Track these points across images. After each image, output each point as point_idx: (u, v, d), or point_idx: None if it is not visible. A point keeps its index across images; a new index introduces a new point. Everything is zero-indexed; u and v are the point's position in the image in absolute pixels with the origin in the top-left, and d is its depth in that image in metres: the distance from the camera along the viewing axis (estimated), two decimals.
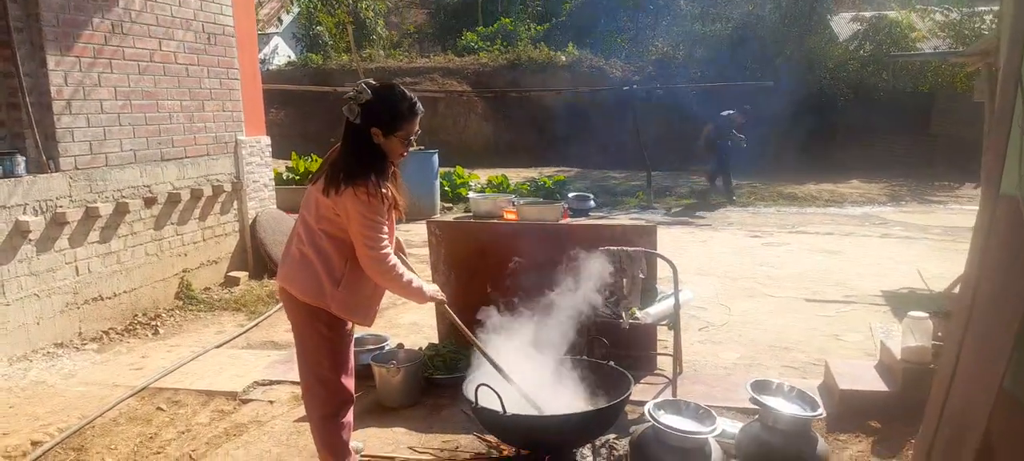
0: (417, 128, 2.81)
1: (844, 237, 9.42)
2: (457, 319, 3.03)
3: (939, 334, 3.68)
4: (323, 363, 2.84)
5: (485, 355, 3.00)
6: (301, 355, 2.91)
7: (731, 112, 12.32)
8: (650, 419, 2.83)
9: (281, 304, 6.15)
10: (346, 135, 2.74)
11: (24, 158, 4.87)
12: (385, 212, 2.70)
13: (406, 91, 2.79)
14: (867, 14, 17.43)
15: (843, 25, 18.17)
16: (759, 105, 14.70)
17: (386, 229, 2.73)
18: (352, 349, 2.98)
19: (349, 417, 2.96)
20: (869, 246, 8.79)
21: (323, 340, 2.82)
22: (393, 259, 2.75)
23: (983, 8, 14.69)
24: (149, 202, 5.90)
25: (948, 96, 15.92)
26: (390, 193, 2.73)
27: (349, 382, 2.91)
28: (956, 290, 5.61)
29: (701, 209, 11.93)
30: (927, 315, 3.64)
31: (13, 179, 4.77)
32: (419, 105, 2.81)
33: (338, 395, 2.88)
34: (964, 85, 14.56)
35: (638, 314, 3.82)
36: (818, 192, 13.37)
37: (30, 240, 4.89)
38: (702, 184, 13.73)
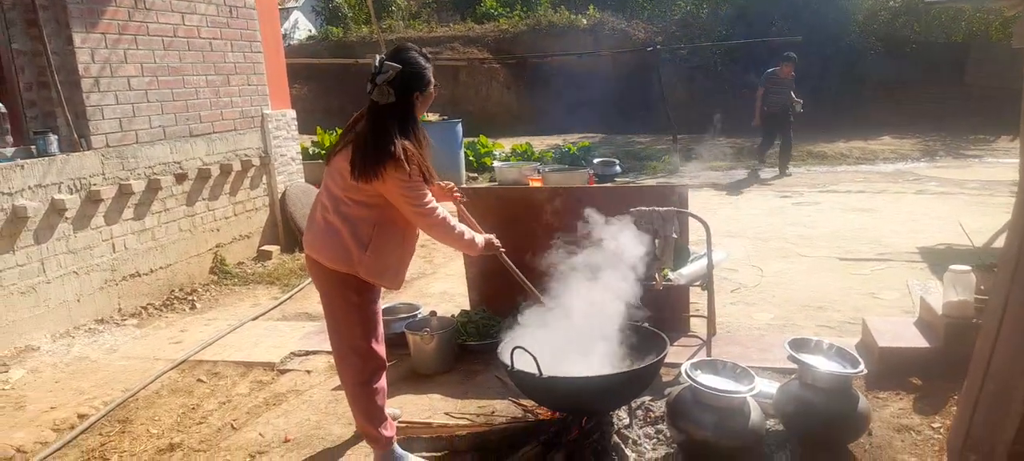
0: None
1: (876, 194, 9.24)
2: (511, 265, 3.11)
3: (982, 288, 3.59)
4: (354, 330, 2.87)
5: (537, 296, 3.03)
6: (332, 324, 2.94)
7: (774, 69, 10.55)
8: (687, 379, 2.81)
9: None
10: (379, 116, 2.73)
11: (56, 137, 4.94)
12: (418, 174, 2.73)
13: (411, 44, 2.87)
14: None
15: None
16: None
17: (427, 190, 2.79)
18: (381, 315, 2.99)
19: (382, 383, 2.98)
20: (903, 203, 8.62)
21: (352, 307, 2.85)
22: (441, 212, 2.82)
23: None
24: (180, 178, 5.96)
25: (982, 46, 15.43)
26: (417, 161, 2.73)
27: (380, 348, 2.94)
28: (997, 243, 5.48)
29: (749, 185, 10.34)
30: (969, 269, 3.56)
31: (47, 158, 4.84)
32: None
33: (370, 362, 2.91)
34: (999, 34, 14.12)
35: (671, 275, 3.78)
36: (849, 150, 13.11)
37: (67, 218, 4.98)
38: (726, 147, 13.47)
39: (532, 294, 3.17)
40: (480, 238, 3.03)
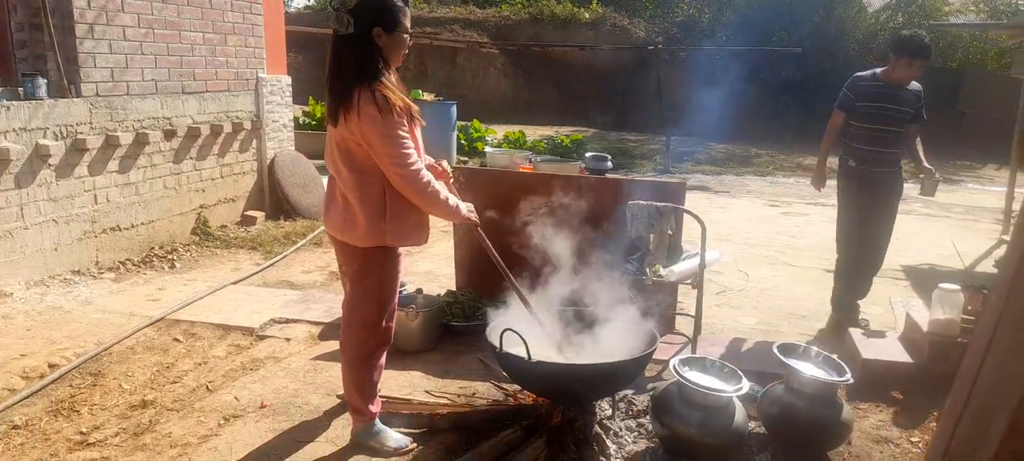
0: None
1: None
2: (490, 246, 2.96)
3: (969, 308, 3.61)
4: (371, 306, 2.79)
5: (516, 288, 2.96)
6: (351, 299, 2.83)
7: (870, 73, 4.45)
8: (675, 374, 2.79)
9: (297, 246, 6.16)
10: (336, 51, 2.58)
11: (45, 81, 4.82)
12: (404, 122, 2.57)
13: None
14: None
15: None
16: (782, 73, 14.27)
17: (410, 143, 2.59)
18: (398, 287, 2.91)
19: (382, 360, 2.93)
20: None
21: (377, 283, 2.77)
22: (426, 175, 2.63)
23: None
24: (169, 135, 5.85)
25: (978, 74, 15.59)
26: (401, 100, 2.57)
27: (389, 325, 2.88)
28: (980, 267, 5.53)
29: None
30: (959, 288, 3.57)
31: (34, 102, 4.71)
32: None
33: (376, 337, 2.85)
34: (995, 63, 14.26)
35: (662, 272, 3.76)
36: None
37: (50, 165, 4.86)
38: (718, 152, 13.42)
39: (516, 291, 2.98)
40: (464, 205, 2.83)
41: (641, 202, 3.56)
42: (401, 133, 2.54)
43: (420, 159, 2.65)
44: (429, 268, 5.82)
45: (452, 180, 3.08)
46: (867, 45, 16.59)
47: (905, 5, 16.65)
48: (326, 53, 2.66)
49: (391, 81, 2.62)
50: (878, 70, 4.44)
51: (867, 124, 4.39)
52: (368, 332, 2.83)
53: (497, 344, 2.66)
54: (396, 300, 2.90)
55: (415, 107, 2.69)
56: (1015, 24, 6.34)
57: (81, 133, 5.05)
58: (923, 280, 5.77)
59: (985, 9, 14.98)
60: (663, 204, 3.54)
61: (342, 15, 2.51)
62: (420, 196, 2.63)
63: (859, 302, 4.63)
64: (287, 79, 7.46)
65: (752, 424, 3.07)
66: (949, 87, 16.28)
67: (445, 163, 3.05)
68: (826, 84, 15.55)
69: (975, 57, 15.43)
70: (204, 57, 6.21)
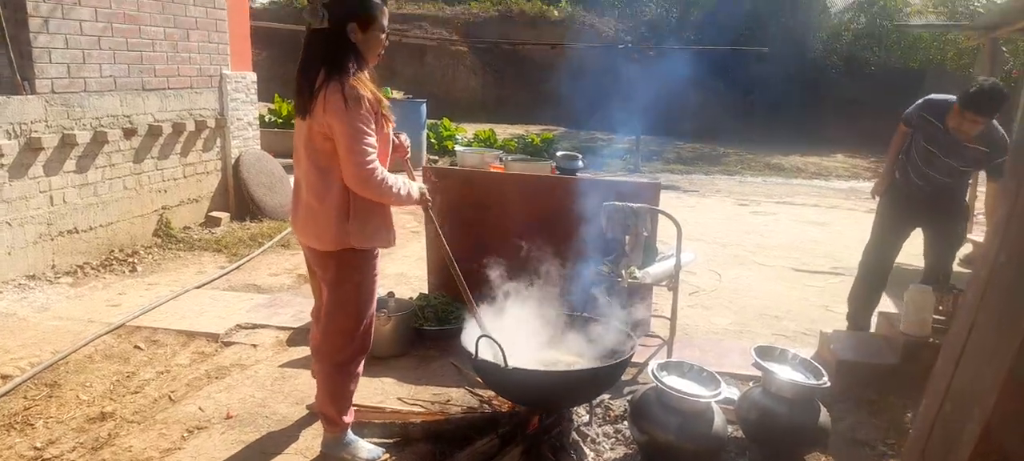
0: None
1: (830, 209, 9.42)
2: (439, 232, 2.92)
3: (940, 308, 3.64)
4: (349, 311, 2.70)
5: (462, 287, 2.88)
6: (329, 305, 2.73)
7: (939, 99, 3.92)
8: (654, 379, 2.75)
9: (264, 248, 6.01)
10: (309, 44, 2.54)
11: None
12: (371, 120, 2.49)
13: None
14: None
15: None
16: (751, 73, 14.38)
17: (373, 140, 2.50)
18: (376, 292, 2.82)
19: (360, 369, 2.83)
20: (856, 220, 8.80)
21: (354, 288, 2.68)
22: (381, 172, 2.52)
23: None
24: (129, 133, 5.65)
25: (938, 74, 15.93)
26: (371, 92, 2.51)
27: (367, 332, 2.78)
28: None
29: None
30: (930, 288, 3.60)
31: None
32: None
33: (354, 344, 2.75)
34: (955, 63, 14.59)
35: (637, 274, 3.73)
36: (804, 164, 13.38)
37: (2, 165, 4.65)
38: (687, 151, 13.51)
39: (468, 304, 2.93)
40: (415, 188, 2.73)
41: (617, 203, 3.51)
42: (364, 128, 2.46)
43: (380, 159, 2.57)
44: (400, 270, 5.72)
45: (408, 155, 2.98)
46: (830, 45, 16.87)
47: (867, 6, 16.96)
48: (300, 48, 2.60)
49: (364, 78, 2.55)
50: (943, 100, 3.87)
51: (918, 160, 3.98)
52: (346, 339, 2.73)
53: (473, 351, 2.59)
54: (374, 306, 2.81)
55: (385, 102, 2.62)
56: (977, 25, 6.47)
57: (36, 132, 4.84)
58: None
59: (944, 11, 15.31)
60: (639, 205, 3.51)
61: (317, 8, 2.47)
62: (374, 192, 2.54)
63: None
64: (252, 76, 7.28)
65: (731, 428, 3.05)
66: (910, 87, 16.62)
67: (403, 136, 2.97)
68: (791, 84, 15.79)
69: (936, 57, 15.76)
70: (165, 53, 6.02)
